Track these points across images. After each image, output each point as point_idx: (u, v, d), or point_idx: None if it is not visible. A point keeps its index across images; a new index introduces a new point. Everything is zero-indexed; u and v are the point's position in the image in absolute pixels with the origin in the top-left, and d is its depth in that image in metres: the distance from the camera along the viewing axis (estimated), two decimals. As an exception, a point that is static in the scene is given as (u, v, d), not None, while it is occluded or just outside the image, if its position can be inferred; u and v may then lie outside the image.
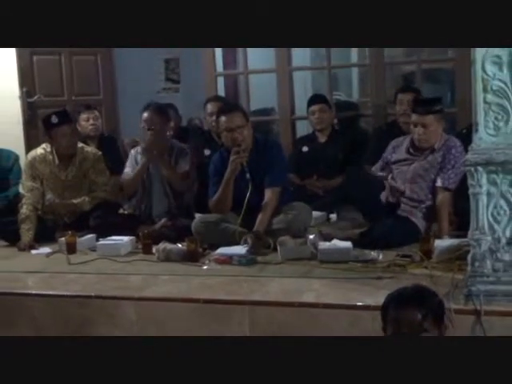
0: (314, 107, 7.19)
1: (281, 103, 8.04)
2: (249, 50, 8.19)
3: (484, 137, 3.95)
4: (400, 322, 3.07)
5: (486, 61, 3.90)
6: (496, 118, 3.92)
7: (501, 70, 3.90)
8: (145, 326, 4.56)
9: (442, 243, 5.11)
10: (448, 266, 4.74)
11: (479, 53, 3.90)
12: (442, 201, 5.61)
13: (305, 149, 7.19)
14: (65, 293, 4.88)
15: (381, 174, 5.93)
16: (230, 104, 6.78)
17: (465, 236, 4.61)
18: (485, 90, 3.92)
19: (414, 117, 5.72)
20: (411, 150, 5.81)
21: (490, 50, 3.88)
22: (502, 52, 3.88)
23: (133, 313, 4.61)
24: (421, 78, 8.08)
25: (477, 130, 3.98)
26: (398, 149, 5.93)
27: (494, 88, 3.90)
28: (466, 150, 5.39)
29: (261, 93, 8.94)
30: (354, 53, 10.92)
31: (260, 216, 5.61)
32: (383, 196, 5.94)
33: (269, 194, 5.70)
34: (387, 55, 8.04)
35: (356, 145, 7.05)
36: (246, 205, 5.70)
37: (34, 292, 4.93)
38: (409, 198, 5.74)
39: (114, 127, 8.29)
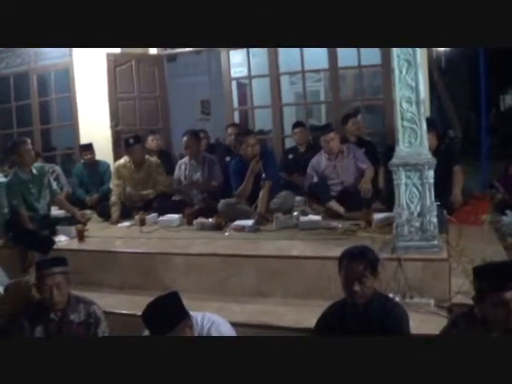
0: (296, 129, 7.16)
1: (275, 127, 7.97)
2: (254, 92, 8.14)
3: (402, 148, 4.01)
4: (349, 269, 3.04)
5: (402, 100, 3.95)
6: (409, 136, 3.99)
7: (411, 106, 3.96)
8: (188, 271, 4.55)
9: (378, 216, 5.09)
10: (382, 231, 4.72)
11: (397, 95, 3.94)
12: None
13: (290, 156, 7.14)
14: (140, 250, 4.88)
15: None
16: (248, 130, 6.78)
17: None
18: (402, 119, 3.98)
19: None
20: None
21: (405, 92, 3.93)
22: (411, 94, 3.93)
23: (181, 262, 4.61)
24: (364, 110, 8.11)
25: (398, 144, 4.04)
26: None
27: (408, 117, 3.96)
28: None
29: (261, 120, 8.96)
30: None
31: (260, 200, 5.62)
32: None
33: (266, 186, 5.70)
34: (342, 95, 8.00)
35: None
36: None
37: (120, 250, 4.97)
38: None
39: (168, 145, 8.26)
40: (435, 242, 4.00)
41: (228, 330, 2.98)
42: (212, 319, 2.99)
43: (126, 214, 6.25)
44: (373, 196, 5.68)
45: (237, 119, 8.93)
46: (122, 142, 7.02)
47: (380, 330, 2.96)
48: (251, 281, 4.36)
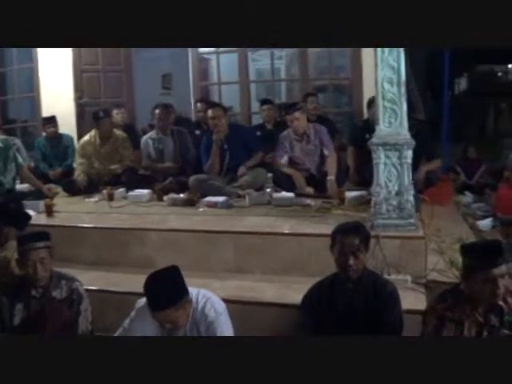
0: (264, 106, 7.16)
1: (242, 103, 7.99)
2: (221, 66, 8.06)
3: (382, 128, 4.07)
4: (344, 243, 3.10)
5: (384, 81, 4.01)
6: (390, 116, 4.05)
7: (392, 87, 4.01)
8: (163, 247, 4.51)
9: (350, 194, 5.17)
10: (355, 209, 4.83)
11: (379, 76, 3.99)
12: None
13: (258, 133, 7.03)
14: (113, 226, 4.81)
15: None
16: (213, 102, 6.68)
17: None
18: (383, 99, 4.03)
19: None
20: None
21: (387, 73, 3.98)
22: (393, 75, 3.99)
23: (156, 238, 4.57)
24: (332, 89, 8.15)
25: (378, 124, 4.09)
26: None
27: (389, 98, 4.02)
28: (362, 136, 5.64)
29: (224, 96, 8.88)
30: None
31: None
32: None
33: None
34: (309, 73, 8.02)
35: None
36: (225, 167, 5.73)
37: (92, 225, 4.84)
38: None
39: (132, 118, 8.15)
40: (412, 221, 4.10)
41: (222, 308, 3.00)
42: (207, 295, 3.00)
43: (92, 189, 6.18)
44: (343, 175, 5.75)
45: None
46: (87, 115, 6.90)
47: (371, 305, 3.07)
48: (229, 257, 4.37)
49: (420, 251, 4.00)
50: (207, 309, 2.94)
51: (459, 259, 3.74)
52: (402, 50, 3.95)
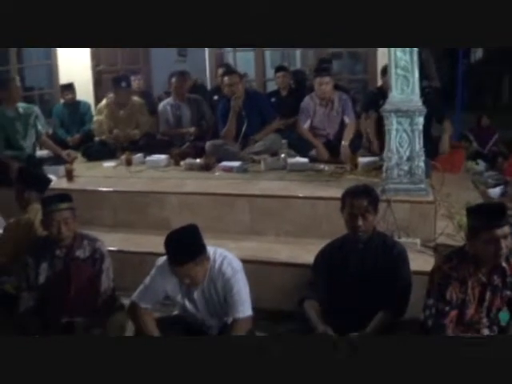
0: (279, 73, 7.19)
1: (257, 70, 8.03)
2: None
3: (395, 95, 4.17)
4: (353, 205, 3.21)
5: (397, 49, 4.08)
6: (402, 84, 4.13)
7: (405, 54, 4.09)
8: (180, 209, 4.66)
9: (363, 159, 5.28)
10: (368, 174, 4.93)
11: (393, 43, 4.07)
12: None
13: (273, 100, 7.06)
14: (132, 189, 4.97)
15: None
16: (230, 68, 6.68)
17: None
18: (395, 67, 4.11)
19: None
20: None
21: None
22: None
23: (174, 201, 4.72)
24: (347, 56, 8.16)
25: (391, 91, 4.19)
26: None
27: (401, 65, 4.10)
28: (375, 102, 5.69)
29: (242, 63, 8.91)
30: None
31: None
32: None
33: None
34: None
35: (303, 97, 7.07)
36: (242, 133, 5.80)
37: (112, 189, 4.99)
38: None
39: (148, 85, 8.24)
40: (422, 186, 4.22)
41: (239, 266, 3.14)
42: (224, 254, 3.15)
43: (110, 154, 6.29)
44: (357, 142, 5.82)
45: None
46: (104, 83, 6.98)
47: (381, 265, 3.20)
48: (245, 219, 4.53)
49: (429, 215, 4.13)
50: (224, 266, 3.08)
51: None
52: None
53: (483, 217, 2.80)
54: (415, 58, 4.06)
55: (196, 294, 3.14)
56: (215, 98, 6.96)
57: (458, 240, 4.04)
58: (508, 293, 2.90)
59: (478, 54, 15.69)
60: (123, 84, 6.38)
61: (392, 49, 4.06)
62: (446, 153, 5.60)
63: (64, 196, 3.51)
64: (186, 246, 2.94)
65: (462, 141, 8.25)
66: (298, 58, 11.61)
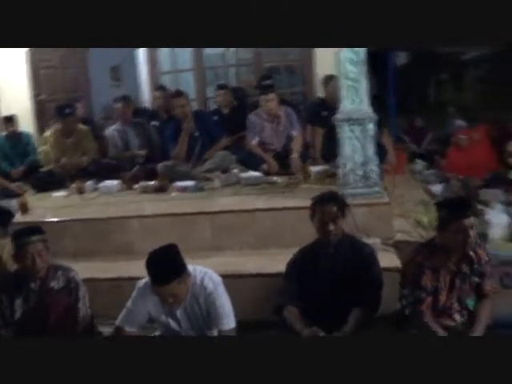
0: (220, 91, 7.31)
1: (197, 89, 8.11)
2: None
3: (346, 105, 4.40)
4: (323, 211, 3.35)
5: (346, 62, 4.31)
6: (352, 94, 4.36)
7: (355, 67, 4.31)
8: (142, 233, 4.69)
9: (315, 168, 5.50)
10: (322, 182, 5.15)
11: (342, 56, 4.29)
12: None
13: (215, 118, 7.08)
14: (90, 217, 4.96)
15: None
16: (178, 91, 6.62)
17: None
18: (345, 78, 4.34)
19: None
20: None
21: (348, 54, 4.28)
22: (353, 55, 4.29)
23: (136, 224, 4.75)
24: (284, 70, 8.38)
25: (342, 101, 4.40)
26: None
27: (351, 77, 4.33)
28: (318, 113, 5.90)
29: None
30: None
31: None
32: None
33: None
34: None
35: (245, 113, 7.17)
36: (196, 153, 5.90)
37: (74, 218, 4.96)
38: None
39: (90, 112, 8.24)
40: (377, 188, 4.46)
41: (218, 280, 3.23)
42: (203, 270, 3.24)
43: (59, 184, 6.21)
44: (306, 153, 6.03)
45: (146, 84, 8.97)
46: (50, 111, 6.93)
47: (352, 266, 3.36)
48: (207, 236, 4.62)
49: (386, 216, 4.37)
50: (205, 282, 3.18)
51: (424, 219, 4.15)
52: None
53: (452, 209, 3.06)
54: (363, 69, 4.29)
55: (179, 312, 3.21)
56: (154, 123, 6.95)
57: (415, 236, 4.29)
58: (476, 279, 3.18)
59: (402, 58, 16.29)
60: (68, 111, 6.38)
61: (341, 61, 4.29)
62: (394, 163, 5.86)
63: (36, 228, 3.52)
64: (168, 266, 3.02)
65: (398, 143, 8.58)
66: (233, 76, 11.74)
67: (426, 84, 18.04)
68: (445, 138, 8.69)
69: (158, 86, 7.72)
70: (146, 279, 3.21)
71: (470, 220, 3.02)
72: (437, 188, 6.84)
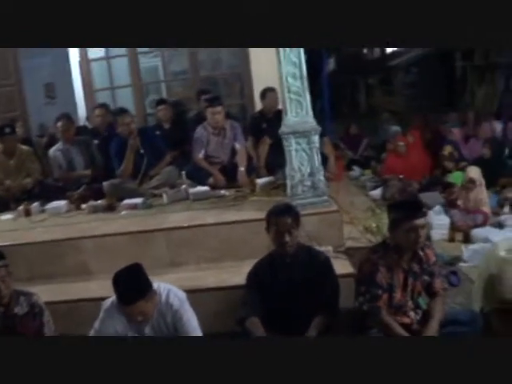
0: (160, 107, 7.44)
1: (136, 105, 8.16)
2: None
3: (290, 118, 4.56)
4: (279, 223, 3.49)
5: (288, 76, 4.48)
6: (296, 107, 4.54)
7: (296, 80, 4.49)
8: (97, 253, 4.71)
9: (260, 181, 5.66)
10: (268, 193, 5.32)
11: (284, 70, 4.46)
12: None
13: (157, 133, 7.13)
14: (41, 239, 4.93)
15: None
16: (122, 108, 6.65)
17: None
18: (288, 92, 4.51)
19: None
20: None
21: (290, 68, 4.45)
22: (295, 70, 4.47)
23: (89, 245, 4.76)
24: (222, 83, 8.51)
25: (286, 114, 4.57)
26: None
27: (294, 91, 4.50)
28: (258, 125, 6.08)
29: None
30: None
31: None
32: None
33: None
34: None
35: (185, 127, 7.24)
36: (143, 170, 5.96)
37: (24, 241, 4.91)
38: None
39: (27, 132, 8.15)
40: (326, 197, 4.65)
41: (183, 296, 3.34)
42: (167, 287, 3.34)
43: (3, 207, 6.17)
44: (251, 166, 6.18)
45: (82, 101, 8.94)
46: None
47: (309, 274, 3.52)
48: (163, 253, 4.68)
49: (336, 223, 4.55)
50: (171, 298, 3.28)
51: (373, 224, 4.38)
52: (301, 47, 4.42)
53: (403, 210, 3.31)
54: (305, 83, 4.47)
55: (147, 330, 3.29)
56: (95, 141, 6.92)
57: (364, 242, 4.51)
58: (425, 278, 3.44)
59: (331, 64, 16.77)
60: (7, 131, 6.34)
61: (283, 75, 4.45)
62: (335, 171, 6.07)
63: None
64: (134, 285, 3.11)
65: (337, 151, 8.87)
66: (164, 89, 11.82)
67: (355, 89, 18.64)
68: (380, 144, 9.06)
69: (98, 104, 7.72)
70: (111, 299, 3.29)
71: (421, 220, 3.27)
72: (376, 192, 7.17)
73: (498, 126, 8.93)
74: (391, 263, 3.35)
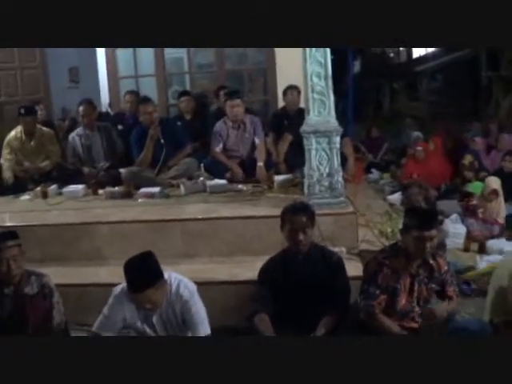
0: (183, 98, 7.44)
1: (160, 95, 8.17)
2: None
3: (313, 117, 4.56)
4: (293, 221, 3.51)
5: (313, 75, 4.48)
6: (319, 107, 4.53)
7: (320, 80, 4.49)
8: (112, 239, 4.74)
9: (278, 178, 5.65)
10: (285, 191, 5.31)
11: (309, 69, 4.46)
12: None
13: (179, 124, 7.06)
14: (57, 222, 4.98)
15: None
16: (146, 97, 6.69)
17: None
18: (312, 91, 4.51)
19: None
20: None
21: (315, 68, 4.45)
22: (321, 69, 4.47)
23: (104, 230, 4.79)
24: (247, 77, 8.51)
25: (308, 113, 4.57)
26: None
27: (318, 90, 4.50)
28: (280, 123, 6.11)
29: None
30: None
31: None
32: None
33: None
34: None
35: (206, 119, 7.18)
36: (162, 160, 5.97)
37: (39, 223, 4.94)
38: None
39: (49, 114, 8.22)
40: (342, 199, 4.64)
41: (194, 287, 3.35)
42: (179, 278, 3.35)
43: (21, 188, 6.22)
44: (270, 161, 6.17)
45: (105, 87, 8.97)
46: (6, 114, 6.90)
47: (321, 274, 3.54)
48: (177, 243, 4.70)
49: (352, 225, 4.55)
50: (181, 289, 3.29)
51: (388, 229, 4.37)
52: (327, 46, 4.42)
53: (416, 218, 3.31)
54: (330, 83, 4.47)
55: (155, 319, 3.31)
56: (120, 127, 7.02)
57: (378, 245, 4.48)
58: (433, 286, 3.43)
59: (356, 67, 16.72)
60: (22, 111, 6.38)
61: (308, 74, 4.45)
62: (354, 173, 6.08)
63: (11, 233, 3.56)
64: (145, 273, 3.12)
65: (357, 153, 8.85)
66: (188, 81, 11.84)
67: (380, 93, 18.58)
68: (401, 149, 9.01)
69: (129, 90, 7.70)
70: (121, 285, 3.31)
71: (431, 232, 3.26)
72: (394, 197, 7.13)
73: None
74: (398, 266, 3.37)
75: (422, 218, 3.31)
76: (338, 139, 4.55)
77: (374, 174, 8.76)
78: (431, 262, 3.41)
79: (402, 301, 3.39)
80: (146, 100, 6.34)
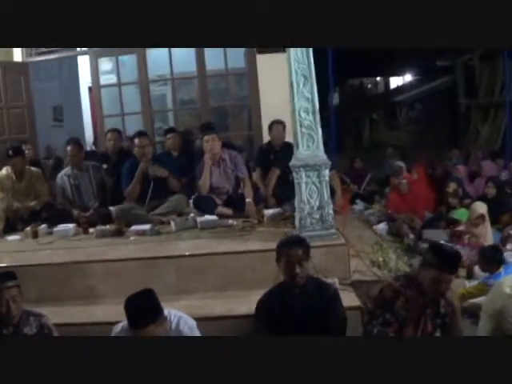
0: (169, 135, 7.57)
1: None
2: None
3: (302, 151, 4.68)
4: (290, 254, 3.57)
5: (301, 110, 4.62)
6: (307, 141, 4.66)
7: (308, 115, 4.63)
8: (106, 277, 4.77)
9: (268, 212, 5.74)
10: (275, 225, 5.40)
11: (297, 104, 4.60)
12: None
13: (167, 159, 7.25)
14: (51, 261, 5.00)
15: None
16: (141, 131, 6.86)
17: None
18: (300, 126, 4.64)
19: None
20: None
21: (303, 103, 4.59)
22: (308, 105, 4.61)
23: (100, 269, 4.82)
24: (231, 113, 8.65)
25: (297, 148, 4.69)
26: None
27: (306, 125, 4.64)
28: (266, 157, 6.24)
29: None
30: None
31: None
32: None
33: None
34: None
35: (193, 155, 7.32)
36: (150, 195, 6.08)
37: (33, 263, 4.97)
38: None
39: (36, 154, 8.30)
40: (333, 230, 4.74)
41: (193, 323, 3.42)
42: (178, 314, 3.42)
43: (10, 228, 6.26)
44: (258, 196, 6.30)
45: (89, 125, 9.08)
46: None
47: (317, 306, 3.61)
48: (171, 280, 4.75)
49: (343, 256, 4.64)
50: (181, 325, 3.36)
51: (380, 259, 4.46)
52: (314, 82, 4.57)
53: (439, 258, 3.29)
54: (317, 117, 4.61)
55: (157, 355, 3.36)
56: (104, 166, 7.02)
57: (370, 275, 4.59)
58: (438, 321, 3.43)
59: (335, 99, 16.99)
60: (11, 153, 6.47)
61: (296, 110, 4.59)
62: (341, 204, 6.19)
63: (9, 273, 3.60)
64: (146, 310, 3.17)
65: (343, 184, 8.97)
66: (171, 118, 11.98)
67: (359, 124, 18.85)
68: (383, 179, 9.17)
69: (111, 128, 7.78)
70: (121, 323, 3.38)
71: (449, 277, 3.27)
72: (380, 227, 7.25)
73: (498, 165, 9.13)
74: (411, 296, 3.37)
75: (445, 260, 3.28)
76: (327, 172, 4.67)
77: (359, 204, 8.88)
78: (441, 300, 3.41)
79: (408, 331, 3.39)
80: (142, 134, 6.48)
